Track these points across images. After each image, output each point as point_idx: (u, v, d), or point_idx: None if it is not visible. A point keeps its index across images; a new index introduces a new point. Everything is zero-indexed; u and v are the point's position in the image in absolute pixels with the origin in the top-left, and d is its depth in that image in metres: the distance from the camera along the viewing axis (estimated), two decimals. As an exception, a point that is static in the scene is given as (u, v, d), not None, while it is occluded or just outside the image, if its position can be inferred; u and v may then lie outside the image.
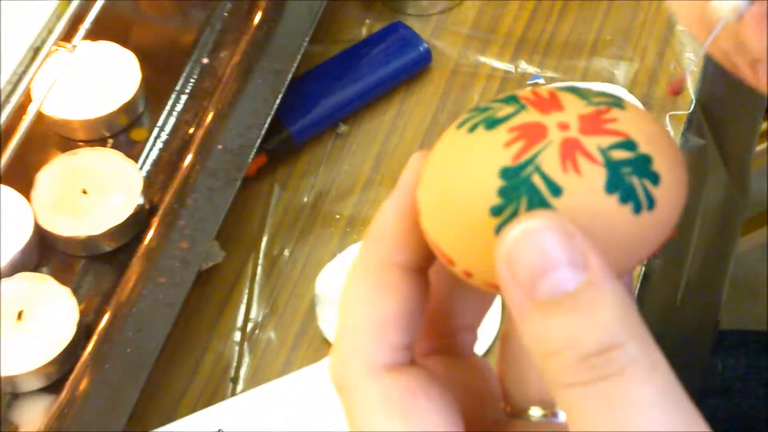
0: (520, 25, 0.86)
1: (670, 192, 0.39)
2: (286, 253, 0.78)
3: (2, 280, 0.72)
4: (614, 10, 0.86)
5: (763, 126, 1.47)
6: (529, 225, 0.37)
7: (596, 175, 0.38)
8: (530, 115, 0.39)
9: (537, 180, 0.37)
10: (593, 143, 0.38)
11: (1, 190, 0.74)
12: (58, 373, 0.70)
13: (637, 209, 0.38)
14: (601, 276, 0.37)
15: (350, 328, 0.43)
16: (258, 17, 0.82)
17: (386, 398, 0.42)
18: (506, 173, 0.38)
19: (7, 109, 0.67)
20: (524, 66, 0.84)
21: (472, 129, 0.39)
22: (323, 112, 0.84)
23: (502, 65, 0.84)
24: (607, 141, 0.38)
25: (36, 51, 0.67)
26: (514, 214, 0.38)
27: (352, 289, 0.43)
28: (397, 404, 0.41)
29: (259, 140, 0.76)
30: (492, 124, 0.39)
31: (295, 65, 0.80)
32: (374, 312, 0.42)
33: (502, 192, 0.38)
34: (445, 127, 0.76)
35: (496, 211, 0.38)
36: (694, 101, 0.80)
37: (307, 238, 0.79)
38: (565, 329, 0.37)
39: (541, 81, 0.84)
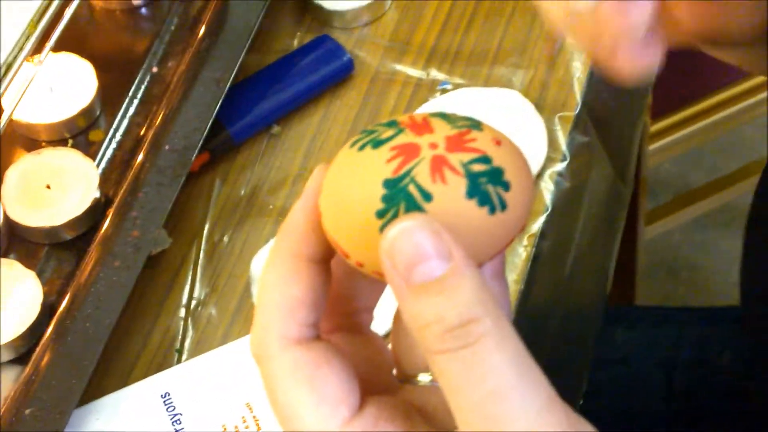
0: (432, 38, 0.88)
1: (518, 196, 0.44)
2: (226, 239, 0.80)
3: None
4: (513, 26, 0.87)
5: (662, 123, 1.54)
6: (405, 225, 0.42)
7: (459, 184, 0.42)
8: (407, 137, 0.43)
9: (412, 189, 0.42)
10: (456, 159, 0.43)
11: None
12: (26, 346, 0.72)
13: (492, 210, 0.43)
14: (462, 265, 0.42)
15: (266, 307, 0.46)
16: (201, 31, 0.84)
17: (295, 367, 0.45)
18: (388, 183, 0.43)
19: None
20: (435, 73, 0.86)
21: (362, 148, 0.44)
22: (258, 115, 0.85)
23: (416, 72, 0.86)
24: (467, 157, 0.43)
25: (8, 66, 0.70)
26: (395, 216, 0.42)
27: (267, 276, 0.46)
28: (304, 372, 0.45)
29: (201, 140, 0.78)
30: (377, 144, 0.43)
31: (234, 73, 0.81)
32: (286, 295, 0.46)
33: (385, 198, 0.42)
34: (366, 127, 0.83)
35: (380, 214, 0.42)
36: (580, 104, 0.83)
37: (244, 226, 0.80)
38: (433, 308, 0.41)
39: (449, 86, 0.85)
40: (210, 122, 0.79)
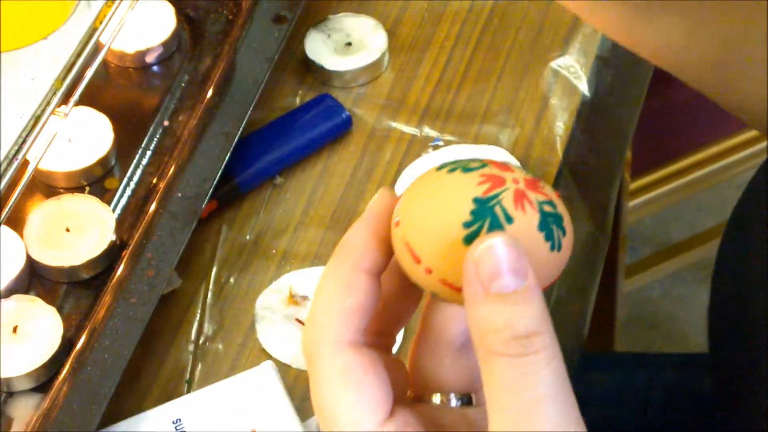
0: (425, 97, 0.91)
1: (567, 243, 0.49)
2: (232, 280, 0.83)
3: (1, 300, 0.77)
4: (501, 88, 0.91)
5: (643, 181, 1.59)
6: (497, 239, 0.46)
7: (534, 217, 0.47)
8: (492, 170, 0.48)
9: (498, 210, 0.47)
10: (533, 196, 0.48)
11: (1, 230, 0.79)
12: (46, 375, 0.76)
13: (552, 248, 0.48)
14: (533, 285, 0.46)
15: (324, 311, 0.50)
16: (210, 88, 0.87)
17: (347, 369, 0.49)
18: (477, 200, 0.47)
19: (14, 167, 0.73)
20: (427, 130, 0.89)
21: (452, 171, 0.48)
22: (263, 166, 0.88)
23: (410, 129, 0.90)
24: (541, 197, 0.48)
25: (37, 119, 0.74)
26: (479, 230, 0.47)
27: (326, 283, 0.50)
28: (354, 375, 0.49)
29: (211, 189, 0.81)
30: (467, 170, 0.48)
31: (241, 128, 0.85)
32: (344, 302, 0.49)
33: (474, 212, 0.47)
34: (362, 180, 0.89)
35: (467, 225, 0.47)
36: (561, 161, 0.87)
37: (249, 268, 0.83)
38: (506, 315, 0.46)
39: (440, 143, 0.88)
40: (219, 172, 0.83)
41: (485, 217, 0.47)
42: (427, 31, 0.95)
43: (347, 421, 0.49)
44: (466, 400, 0.53)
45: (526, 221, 0.47)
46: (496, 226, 0.47)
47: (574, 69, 0.92)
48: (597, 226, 0.91)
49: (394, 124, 0.91)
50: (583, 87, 0.91)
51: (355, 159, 0.90)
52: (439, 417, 0.52)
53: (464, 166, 0.48)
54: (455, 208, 0.47)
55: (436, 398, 0.53)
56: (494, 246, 0.46)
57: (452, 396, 0.53)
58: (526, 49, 0.94)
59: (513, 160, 0.87)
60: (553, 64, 0.93)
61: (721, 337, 0.84)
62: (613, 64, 0.93)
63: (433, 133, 0.90)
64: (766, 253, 0.65)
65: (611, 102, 0.95)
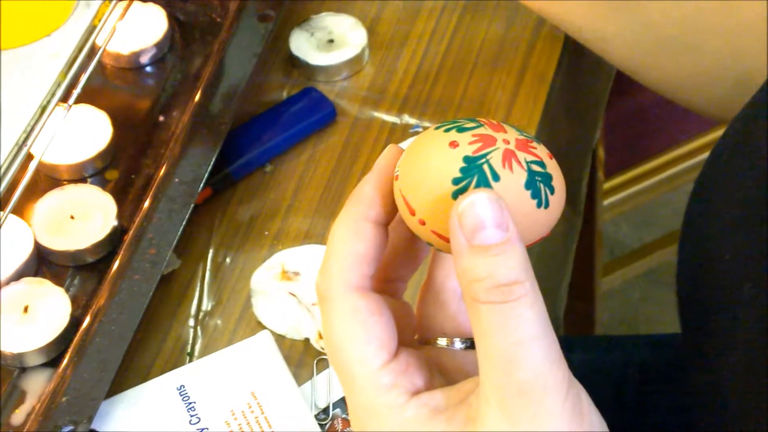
0: (404, 88, 0.96)
1: (557, 201, 0.52)
2: (228, 260, 0.87)
3: (12, 283, 0.81)
4: (474, 78, 0.95)
5: (617, 180, 1.64)
6: (480, 195, 0.48)
7: (521, 176, 0.50)
8: (486, 131, 0.51)
9: (486, 168, 0.49)
10: (522, 156, 0.50)
11: (9, 219, 0.83)
12: (56, 351, 0.79)
13: (539, 205, 0.50)
14: (515, 237, 0.48)
15: (335, 257, 0.52)
16: (202, 86, 0.91)
17: (355, 310, 0.52)
18: (467, 159, 0.50)
19: (22, 155, 0.77)
20: (407, 118, 0.94)
21: (447, 131, 0.51)
22: (254, 156, 0.92)
23: (391, 118, 0.94)
24: (530, 157, 0.50)
25: (43, 110, 0.79)
26: (467, 186, 0.49)
27: (337, 231, 0.53)
28: (361, 316, 0.52)
29: (206, 175, 0.85)
30: (461, 130, 0.51)
31: (231, 120, 0.88)
32: (353, 249, 0.52)
33: (463, 170, 0.49)
34: (347, 166, 0.93)
35: (456, 182, 0.49)
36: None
37: (243, 249, 0.87)
38: (488, 266, 0.48)
39: (420, 129, 0.92)
40: (212, 161, 0.87)
41: (473, 174, 0.49)
42: (404, 27, 0.99)
43: (354, 358, 0.52)
44: (470, 343, 0.55)
45: (513, 179, 0.50)
46: (483, 183, 0.49)
47: (544, 55, 0.97)
48: (570, 205, 0.96)
49: (375, 114, 0.95)
50: (552, 72, 0.96)
51: (340, 147, 0.94)
52: (443, 358, 0.55)
53: (460, 127, 0.51)
54: (447, 165, 0.50)
55: (442, 341, 0.55)
56: (476, 201, 0.48)
57: (456, 340, 0.55)
58: (497, 41, 0.98)
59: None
60: (524, 52, 0.98)
61: (688, 301, 0.88)
62: (581, 49, 0.97)
63: (412, 121, 0.94)
64: (729, 213, 0.68)
65: (581, 87, 1.00)
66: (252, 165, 0.93)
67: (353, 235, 0.52)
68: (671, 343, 1.13)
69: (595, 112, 1.02)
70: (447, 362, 0.55)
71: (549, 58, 0.97)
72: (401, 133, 0.94)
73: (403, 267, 0.57)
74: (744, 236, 0.63)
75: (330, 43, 0.98)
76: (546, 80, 0.96)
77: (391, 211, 0.53)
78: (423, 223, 0.51)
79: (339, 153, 0.94)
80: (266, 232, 0.90)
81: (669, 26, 0.77)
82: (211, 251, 0.88)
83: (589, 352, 1.13)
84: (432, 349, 0.55)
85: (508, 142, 0.50)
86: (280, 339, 0.84)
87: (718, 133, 1.65)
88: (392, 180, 0.53)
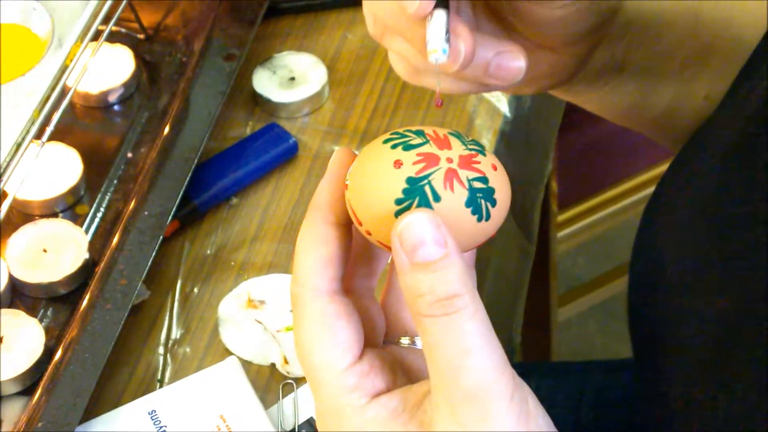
0: (364, 122, 0.99)
1: (500, 211, 0.53)
2: (196, 290, 0.90)
3: None
4: (430, 112, 1.00)
5: (570, 213, 1.67)
6: (416, 215, 0.50)
7: (461, 195, 0.52)
8: (431, 148, 0.52)
9: (427, 189, 0.51)
10: (464, 174, 0.52)
11: None
12: (31, 379, 0.82)
13: (479, 219, 0.52)
14: (453, 253, 0.50)
15: (303, 263, 0.54)
16: (168, 123, 0.94)
17: (322, 314, 0.53)
18: (410, 180, 0.51)
19: None
20: None
21: (394, 147, 0.53)
22: (220, 189, 0.95)
23: None
24: (472, 175, 0.52)
25: (18, 146, 0.81)
26: (409, 207, 0.51)
27: (303, 239, 0.54)
28: (328, 320, 0.53)
29: (174, 207, 0.88)
30: (407, 147, 0.52)
31: (198, 155, 0.91)
32: (319, 253, 0.54)
33: (405, 191, 0.51)
34: (309, 197, 0.94)
35: (398, 202, 0.52)
36: None
37: (211, 279, 0.90)
38: (428, 282, 0.50)
39: None
40: (180, 195, 0.90)
41: (415, 196, 0.51)
42: (362, 65, 1.03)
43: (321, 361, 0.54)
44: None
45: (454, 198, 0.52)
46: (424, 203, 0.51)
47: (495, 93, 1.01)
48: (524, 234, 0.99)
49: (336, 147, 0.98)
50: (504, 109, 1.00)
51: (302, 179, 0.97)
52: (407, 357, 0.57)
53: (405, 144, 0.53)
54: (391, 185, 0.52)
55: (405, 340, 0.57)
56: (414, 221, 0.50)
57: (417, 339, 0.57)
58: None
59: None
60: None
61: (637, 317, 0.89)
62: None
63: None
64: (672, 233, 0.71)
65: (531, 121, 1.03)
66: (218, 198, 0.96)
67: (317, 241, 0.54)
68: (625, 368, 1.15)
69: (546, 144, 1.05)
70: (411, 361, 0.56)
71: (500, 93, 1.00)
72: (361, 166, 0.97)
73: (368, 264, 0.58)
74: (684, 251, 0.66)
75: (291, 80, 1.01)
76: (499, 113, 0.99)
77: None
78: (369, 234, 0.53)
79: (301, 186, 0.97)
80: (232, 263, 0.93)
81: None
82: (179, 281, 0.91)
83: (546, 377, 1.15)
84: (396, 348, 0.57)
85: (451, 161, 0.52)
86: (247, 365, 0.87)
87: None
88: (344, 186, 0.54)
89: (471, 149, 0.53)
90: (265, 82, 1.01)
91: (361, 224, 0.53)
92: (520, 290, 1.00)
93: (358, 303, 0.56)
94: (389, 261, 0.58)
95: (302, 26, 1.06)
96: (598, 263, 1.91)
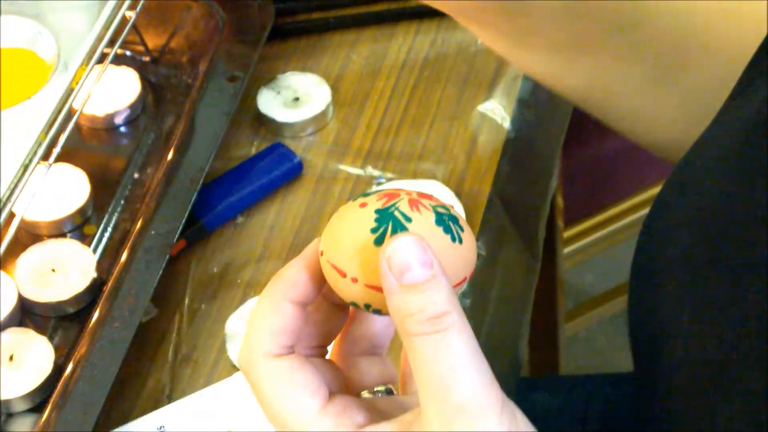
0: (367, 142, 0.99)
1: (468, 242, 0.54)
2: (203, 307, 0.90)
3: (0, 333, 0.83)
4: (434, 130, 0.99)
5: (576, 229, 1.67)
6: (402, 239, 0.52)
7: (429, 216, 0.53)
8: (388, 191, 0.55)
9: (397, 213, 0.53)
10: (426, 202, 0.54)
11: None
12: (41, 397, 0.82)
13: (453, 240, 0.53)
14: (439, 273, 0.51)
15: (255, 330, 0.55)
16: (174, 144, 0.94)
17: (276, 371, 0.55)
18: (379, 211, 0.53)
19: (6, 211, 0.79)
20: (371, 170, 0.97)
21: (355, 200, 0.55)
22: (226, 208, 0.94)
23: (355, 170, 0.97)
24: (433, 203, 0.54)
25: (25, 168, 0.82)
26: (385, 232, 0.52)
27: (260, 307, 0.56)
28: (282, 375, 0.54)
29: (180, 227, 0.88)
30: (367, 195, 0.55)
31: (204, 175, 0.91)
32: (273, 323, 0.55)
33: (377, 220, 0.53)
34: (314, 216, 0.96)
35: (374, 231, 0.53)
36: (491, 192, 0.94)
37: (217, 296, 0.90)
38: (418, 301, 0.51)
39: (383, 180, 0.95)
40: (186, 214, 0.90)
41: (387, 221, 0.53)
42: (366, 85, 1.03)
43: (290, 411, 0.54)
44: (388, 390, 0.59)
45: (423, 218, 0.53)
46: (398, 226, 0.53)
47: (498, 111, 1.01)
48: (529, 250, 1.00)
49: (341, 167, 0.98)
50: (507, 126, 1.01)
51: (308, 198, 0.97)
52: (377, 404, 0.58)
53: (365, 193, 0.55)
54: (362, 219, 0.54)
55: (365, 394, 0.59)
56: (401, 245, 0.52)
57: (377, 390, 0.59)
58: (455, 96, 1.03)
59: (448, 192, 0.95)
60: (480, 107, 1.02)
61: (637, 334, 0.90)
62: (533, 104, 1.02)
63: (376, 173, 0.98)
64: (671, 248, 0.72)
65: (535, 137, 1.04)
66: (224, 217, 0.95)
67: (273, 312, 0.55)
68: (631, 381, 1.15)
69: (550, 160, 1.06)
70: (383, 406, 0.57)
71: (504, 111, 1.01)
72: (365, 184, 0.97)
73: (324, 337, 0.60)
74: (684, 268, 0.67)
75: (296, 100, 1.01)
76: (502, 131, 1.00)
77: (313, 292, 0.56)
78: (355, 281, 0.54)
79: (306, 204, 0.97)
80: (238, 281, 0.92)
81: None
82: (186, 300, 0.91)
83: (553, 391, 1.15)
84: (362, 398, 0.58)
85: (410, 194, 0.54)
86: (253, 381, 0.87)
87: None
88: (317, 263, 0.55)
89: (423, 193, 0.56)
90: (269, 103, 1.02)
91: (345, 275, 0.54)
92: (526, 306, 1.00)
93: (313, 361, 0.57)
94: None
95: (306, 47, 1.06)
96: (606, 278, 1.91)
